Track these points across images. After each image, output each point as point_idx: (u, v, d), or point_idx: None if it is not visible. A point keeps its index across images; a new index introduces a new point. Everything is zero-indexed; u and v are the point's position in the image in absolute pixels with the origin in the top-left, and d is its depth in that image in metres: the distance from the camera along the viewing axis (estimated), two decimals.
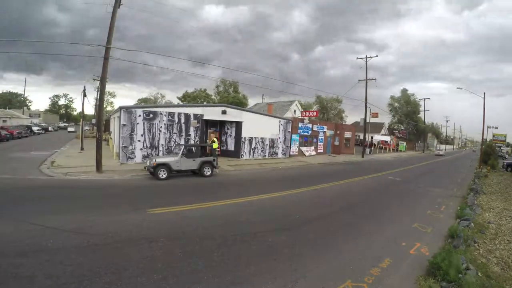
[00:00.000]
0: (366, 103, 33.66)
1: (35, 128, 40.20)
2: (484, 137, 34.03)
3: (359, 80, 33.68)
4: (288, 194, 11.42)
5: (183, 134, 18.95)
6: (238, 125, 22.50)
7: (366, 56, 32.18)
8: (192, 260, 5.26)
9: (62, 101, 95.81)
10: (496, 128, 41.24)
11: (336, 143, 34.27)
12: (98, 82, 18.39)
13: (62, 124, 70.32)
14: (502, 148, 47.50)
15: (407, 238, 7.05)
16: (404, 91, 69.70)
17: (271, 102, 44.71)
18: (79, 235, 6.01)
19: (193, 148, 14.83)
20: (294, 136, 27.16)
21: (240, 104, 50.04)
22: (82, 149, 22.15)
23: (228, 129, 23.25)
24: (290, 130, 26.48)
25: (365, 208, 10.13)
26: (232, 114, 21.83)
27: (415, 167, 27.33)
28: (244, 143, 22.81)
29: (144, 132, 17.33)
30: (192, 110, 19.55)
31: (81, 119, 28.31)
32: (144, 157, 17.18)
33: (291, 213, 8.72)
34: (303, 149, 28.35)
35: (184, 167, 13.73)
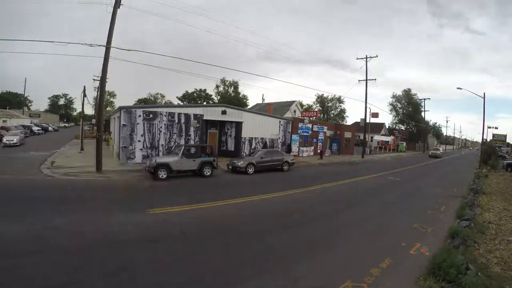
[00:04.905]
0: (366, 103, 33.70)
1: (35, 128, 40.21)
2: (484, 137, 34.08)
3: (359, 80, 33.70)
4: (288, 194, 11.42)
5: (183, 134, 18.94)
6: (238, 125, 22.48)
7: (366, 56, 32.19)
8: (192, 260, 5.26)
9: (61, 101, 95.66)
10: (496, 128, 41.35)
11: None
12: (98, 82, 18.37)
13: (62, 124, 70.69)
14: (502, 148, 47.46)
15: (407, 238, 7.04)
16: (407, 91, 69.82)
17: (271, 102, 44.70)
18: (79, 235, 6.01)
19: (193, 148, 14.85)
20: (294, 136, 27.15)
21: (240, 104, 50.07)
22: (82, 149, 22.14)
23: (228, 129, 23.24)
24: (290, 130, 26.48)
25: (365, 208, 10.13)
26: (232, 114, 21.82)
27: (415, 167, 27.32)
28: (244, 143, 22.79)
29: (144, 132, 17.33)
30: (192, 110, 19.55)
31: (81, 119, 28.31)
32: (144, 157, 17.18)
33: (291, 213, 8.72)
34: (303, 148, 28.34)
35: (184, 167, 13.72)
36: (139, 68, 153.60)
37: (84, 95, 25.49)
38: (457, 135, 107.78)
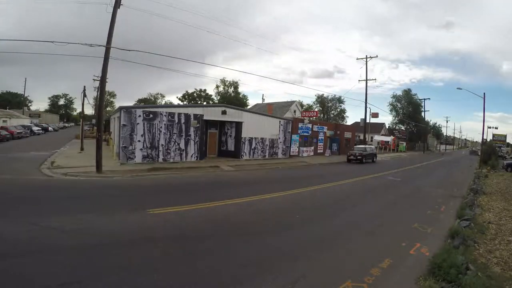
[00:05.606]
0: (366, 103, 33.73)
1: (35, 129, 40.23)
2: (484, 137, 34.12)
3: (359, 80, 33.75)
4: (288, 194, 11.41)
5: (183, 134, 18.95)
6: (238, 125, 22.50)
7: (366, 56, 32.24)
8: (192, 260, 5.25)
9: (61, 101, 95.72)
10: (496, 128, 41.47)
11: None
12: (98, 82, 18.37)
13: (62, 124, 70.82)
14: (502, 148, 47.50)
15: (407, 238, 7.04)
16: (408, 91, 69.92)
17: (271, 102, 44.72)
18: (78, 235, 6.00)
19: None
20: (294, 137, 27.16)
21: (240, 104, 50.09)
22: (82, 149, 22.15)
23: (228, 129, 23.25)
24: (290, 130, 26.49)
25: (365, 208, 10.13)
26: (232, 115, 21.83)
27: (414, 167, 27.33)
28: (244, 143, 22.81)
29: (144, 132, 17.33)
30: (192, 111, 19.56)
31: (81, 119, 28.33)
32: (144, 157, 17.20)
33: (291, 213, 8.71)
34: (303, 149, 28.32)
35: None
36: (139, 68, 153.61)
37: (84, 95, 25.53)
38: (457, 135, 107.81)
